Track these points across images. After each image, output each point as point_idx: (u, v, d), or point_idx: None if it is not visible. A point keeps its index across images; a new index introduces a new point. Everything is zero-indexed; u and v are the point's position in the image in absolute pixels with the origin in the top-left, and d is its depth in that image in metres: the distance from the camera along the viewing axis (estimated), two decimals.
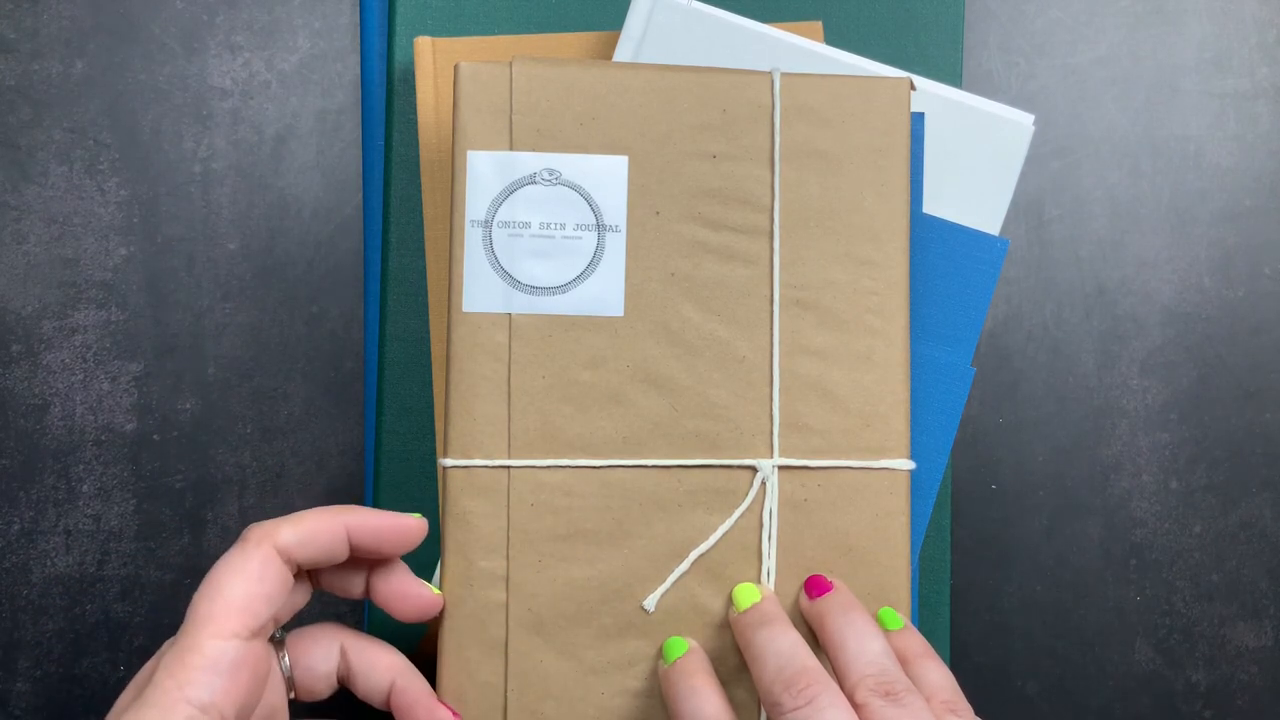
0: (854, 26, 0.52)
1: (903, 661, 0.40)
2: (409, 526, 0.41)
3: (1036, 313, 0.54)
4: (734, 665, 0.42)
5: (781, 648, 0.39)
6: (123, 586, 0.52)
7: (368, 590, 0.42)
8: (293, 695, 0.41)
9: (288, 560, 0.39)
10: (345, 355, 0.53)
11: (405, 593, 0.41)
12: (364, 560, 0.41)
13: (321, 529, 0.39)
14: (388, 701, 0.41)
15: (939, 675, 0.40)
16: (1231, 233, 0.55)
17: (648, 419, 0.43)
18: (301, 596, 0.41)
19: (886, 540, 0.43)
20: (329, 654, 0.41)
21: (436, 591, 0.42)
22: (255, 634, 0.37)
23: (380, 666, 0.41)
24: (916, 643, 0.41)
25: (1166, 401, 0.54)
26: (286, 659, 0.40)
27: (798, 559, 0.43)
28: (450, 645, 0.42)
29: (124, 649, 0.51)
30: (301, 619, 0.45)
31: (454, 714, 0.41)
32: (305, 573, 0.41)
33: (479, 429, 0.43)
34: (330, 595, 0.42)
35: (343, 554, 0.40)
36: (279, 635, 0.41)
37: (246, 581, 0.37)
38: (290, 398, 0.52)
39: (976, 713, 0.40)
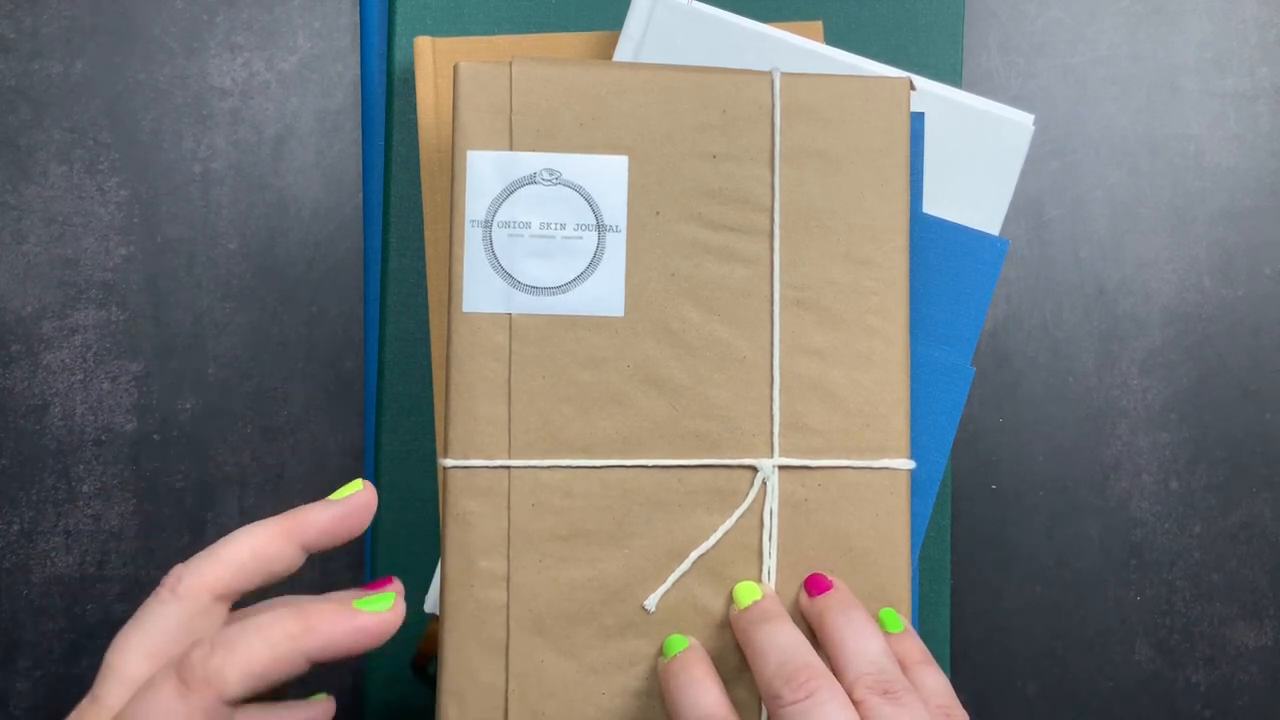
0: (854, 26, 0.51)
1: (900, 666, 0.40)
2: (360, 505, 0.38)
3: (1036, 313, 0.54)
4: (734, 664, 0.42)
5: (782, 643, 0.39)
6: (123, 586, 0.52)
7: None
8: None
9: (224, 597, 0.36)
10: (345, 355, 0.52)
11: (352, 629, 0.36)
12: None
13: (257, 549, 0.36)
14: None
15: (936, 681, 0.40)
16: (1231, 233, 0.55)
17: (648, 419, 0.43)
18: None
19: (886, 540, 0.43)
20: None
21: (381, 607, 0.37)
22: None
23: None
24: (915, 648, 0.41)
25: (1166, 401, 0.54)
26: None
27: (798, 559, 0.43)
28: (451, 645, 0.42)
29: None
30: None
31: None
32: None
33: (479, 429, 0.43)
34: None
35: (295, 563, 0.37)
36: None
37: (162, 639, 0.35)
38: (290, 398, 0.52)
39: (977, 713, 0.40)
